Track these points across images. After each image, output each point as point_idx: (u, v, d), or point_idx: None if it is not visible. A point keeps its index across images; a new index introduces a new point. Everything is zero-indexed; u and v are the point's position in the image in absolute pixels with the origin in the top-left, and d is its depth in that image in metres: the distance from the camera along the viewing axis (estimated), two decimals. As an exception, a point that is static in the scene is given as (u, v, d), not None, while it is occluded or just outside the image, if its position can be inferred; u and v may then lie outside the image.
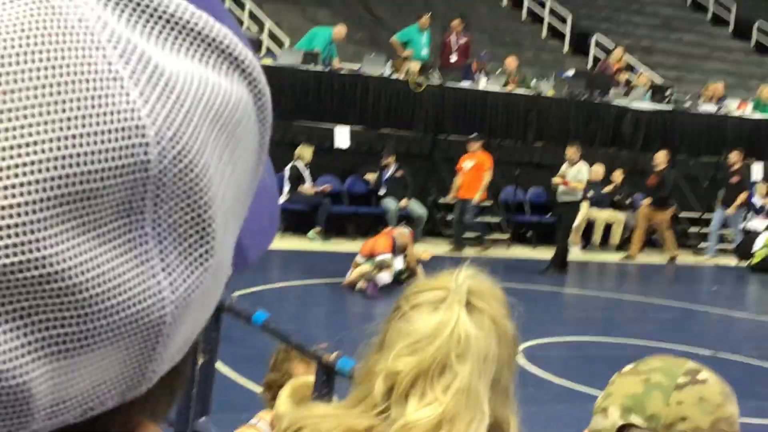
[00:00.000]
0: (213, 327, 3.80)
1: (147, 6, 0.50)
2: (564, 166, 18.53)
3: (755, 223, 22.01)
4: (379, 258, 14.74)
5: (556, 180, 18.69)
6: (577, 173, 18.36)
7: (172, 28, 0.51)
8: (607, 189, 20.96)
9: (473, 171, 18.74)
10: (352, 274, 14.84)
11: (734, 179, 21.24)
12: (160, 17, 0.51)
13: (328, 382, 3.34)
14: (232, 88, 0.52)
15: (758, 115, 23.62)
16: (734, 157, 21.32)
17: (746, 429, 2.04)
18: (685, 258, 21.12)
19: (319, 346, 3.35)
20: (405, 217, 18.86)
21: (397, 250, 15.13)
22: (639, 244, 20.49)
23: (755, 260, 20.65)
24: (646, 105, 22.33)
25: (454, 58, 21.68)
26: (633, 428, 1.83)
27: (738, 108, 23.71)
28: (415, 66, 20.46)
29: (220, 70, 0.52)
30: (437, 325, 1.74)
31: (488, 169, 18.84)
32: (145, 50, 0.49)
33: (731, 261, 21.32)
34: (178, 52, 0.51)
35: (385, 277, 14.54)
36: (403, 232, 15.66)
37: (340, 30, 20.38)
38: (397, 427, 1.69)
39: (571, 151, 18.52)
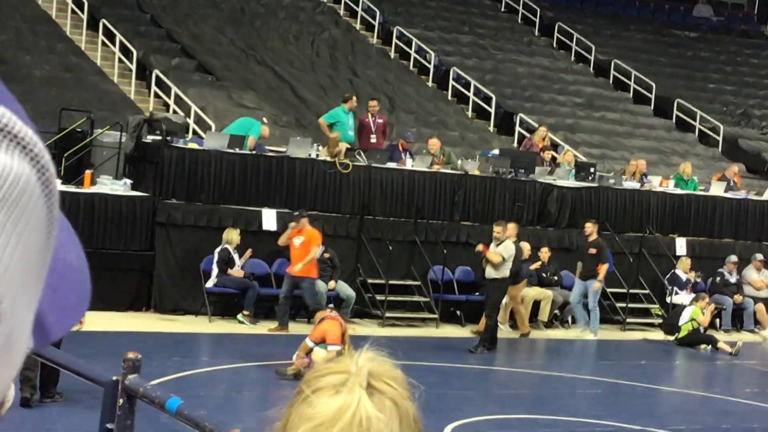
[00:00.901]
0: (127, 415, 3.77)
1: None
2: (492, 245, 18.59)
3: (680, 297, 22.23)
4: (332, 347, 14.22)
5: (478, 247, 18.75)
6: (503, 249, 18.40)
7: None
8: (534, 266, 21.06)
9: (302, 248, 18.32)
10: (298, 360, 14.24)
11: (591, 251, 20.68)
12: None
13: (244, 468, 3.32)
14: (12, 164, 0.54)
15: (680, 191, 23.99)
16: (589, 228, 20.83)
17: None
18: (612, 334, 21.25)
19: (233, 431, 3.33)
20: (334, 299, 18.80)
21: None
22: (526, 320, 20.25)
23: (681, 334, 20.81)
24: (570, 182, 22.58)
25: (374, 139, 21.69)
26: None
27: (660, 184, 24.04)
28: (342, 147, 20.53)
29: None
30: (338, 408, 1.74)
31: (316, 245, 18.40)
32: None
33: (659, 335, 21.46)
34: None
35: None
36: (342, 318, 15.30)
37: (265, 129, 20.35)
38: None
39: (498, 229, 18.59)
